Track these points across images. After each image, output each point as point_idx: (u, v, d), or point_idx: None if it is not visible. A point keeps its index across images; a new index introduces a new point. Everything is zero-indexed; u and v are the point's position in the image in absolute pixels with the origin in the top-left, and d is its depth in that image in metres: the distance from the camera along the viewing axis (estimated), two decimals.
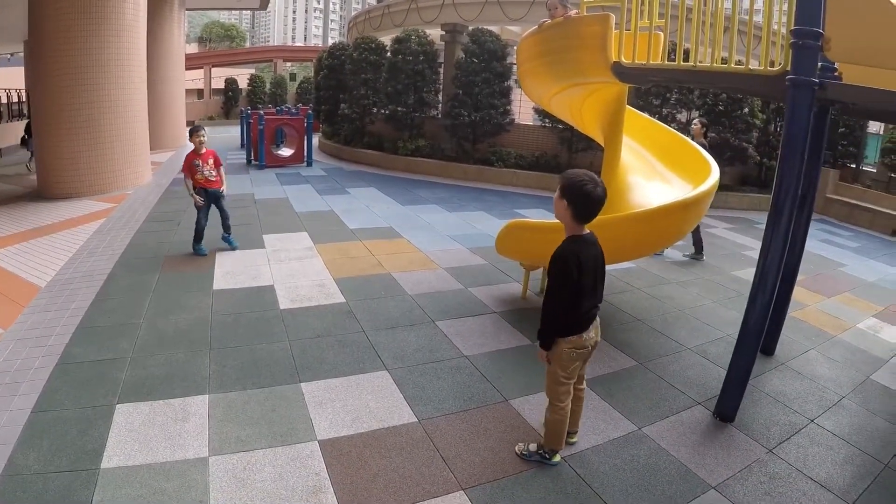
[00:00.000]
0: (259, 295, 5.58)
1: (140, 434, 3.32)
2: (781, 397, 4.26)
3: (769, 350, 4.91)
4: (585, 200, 2.85)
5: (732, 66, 4.04)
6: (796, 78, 3.40)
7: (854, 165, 14.46)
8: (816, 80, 3.39)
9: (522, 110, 15.75)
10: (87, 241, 7.37)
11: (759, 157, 12.93)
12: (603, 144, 6.28)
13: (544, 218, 9.37)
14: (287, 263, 6.57)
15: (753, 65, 3.84)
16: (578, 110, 6.63)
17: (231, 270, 6.26)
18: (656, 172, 6.34)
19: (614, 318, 5.49)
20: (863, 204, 12.51)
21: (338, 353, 4.44)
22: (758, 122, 12.70)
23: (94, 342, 4.45)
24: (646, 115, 7.28)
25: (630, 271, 6.96)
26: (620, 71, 4.76)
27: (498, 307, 5.56)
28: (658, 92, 12.88)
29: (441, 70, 15.64)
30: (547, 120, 13.79)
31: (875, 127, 14.94)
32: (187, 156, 6.72)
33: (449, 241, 8.01)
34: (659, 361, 4.67)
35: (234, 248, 6.99)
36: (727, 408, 3.87)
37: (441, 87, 15.71)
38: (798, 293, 6.68)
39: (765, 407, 4.11)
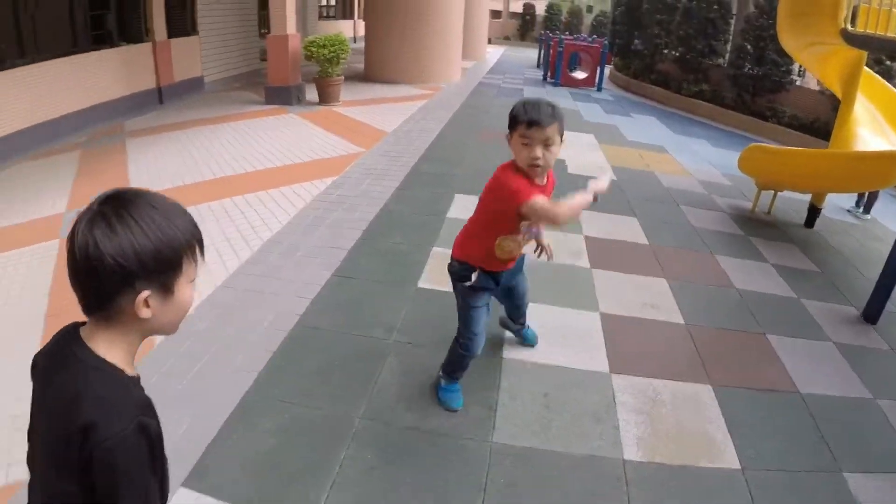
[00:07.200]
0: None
1: None
2: None
3: None
4: None
5: None
6: None
7: None
8: None
9: (808, 74, 15.84)
10: (417, 111, 10.27)
11: None
12: (840, 98, 7.30)
13: None
14: (577, 150, 8.90)
15: None
16: (823, 66, 7.73)
17: None
18: (883, 131, 7.16)
19: None
20: None
21: None
22: None
23: (432, 163, 7.12)
24: (882, 80, 7.88)
25: None
26: (848, 36, 5.77)
27: (729, 210, 7.16)
28: None
29: (733, 21, 16.35)
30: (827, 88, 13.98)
31: None
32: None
33: (707, 164, 9.55)
34: None
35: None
36: None
37: (731, 38, 16.41)
38: None
39: None
